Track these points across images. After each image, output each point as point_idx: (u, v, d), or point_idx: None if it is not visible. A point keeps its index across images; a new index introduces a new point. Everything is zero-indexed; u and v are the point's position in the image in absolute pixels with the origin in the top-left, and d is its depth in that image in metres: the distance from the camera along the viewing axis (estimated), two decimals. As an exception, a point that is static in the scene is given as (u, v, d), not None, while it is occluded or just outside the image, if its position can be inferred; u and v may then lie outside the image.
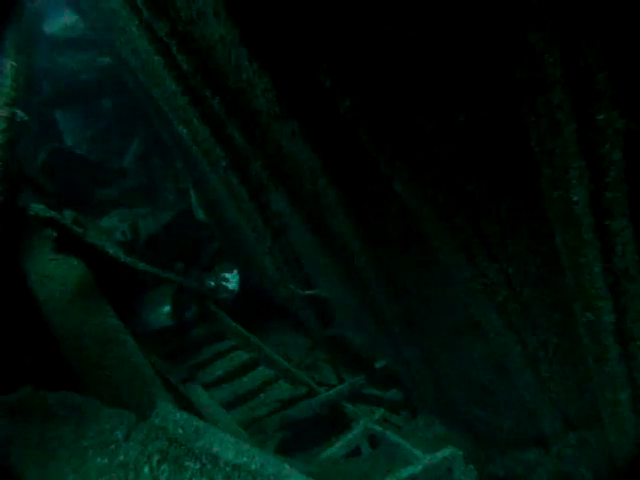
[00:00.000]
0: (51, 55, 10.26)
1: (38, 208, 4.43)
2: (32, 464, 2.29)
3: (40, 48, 9.93)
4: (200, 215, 6.98)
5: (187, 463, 2.35)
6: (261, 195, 4.81)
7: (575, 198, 2.45)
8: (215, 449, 2.39)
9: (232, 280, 6.94)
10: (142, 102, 6.41)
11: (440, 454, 3.68)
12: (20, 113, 5.00)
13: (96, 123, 9.72)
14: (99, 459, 2.32)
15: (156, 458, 2.36)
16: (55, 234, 4.82)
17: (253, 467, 2.34)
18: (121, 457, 2.33)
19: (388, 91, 2.43)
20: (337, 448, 4.47)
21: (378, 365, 5.10)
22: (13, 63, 4.94)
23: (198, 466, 2.34)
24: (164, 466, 2.34)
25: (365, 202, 3.33)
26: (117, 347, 4.19)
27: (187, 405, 5.00)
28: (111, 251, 5.06)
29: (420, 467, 3.55)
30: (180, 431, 2.43)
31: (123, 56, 5.44)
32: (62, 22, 10.16)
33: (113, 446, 2.37)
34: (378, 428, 4.51)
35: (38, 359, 4.40)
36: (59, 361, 4.27)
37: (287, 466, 2.38)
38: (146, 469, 2.33)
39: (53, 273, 4.83)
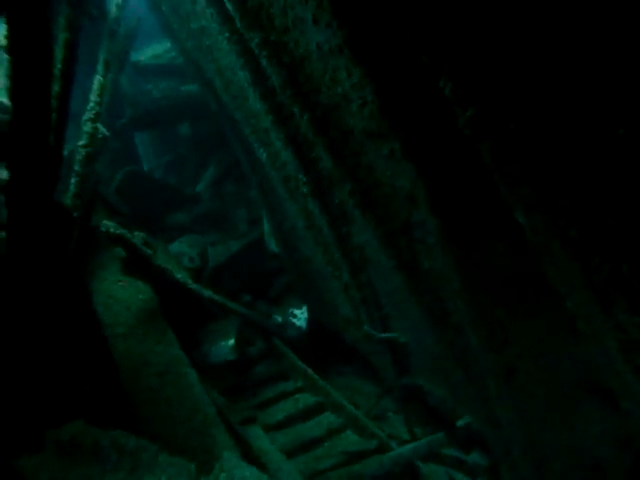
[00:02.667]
0: (136, 82, 10.45)
1: (109, 225, 4.21)
2: (75, 516, 1.94)
3: (127, 74, 10.14)
4: (272, 246, 6.68)
5: (254, 532, 1.93)
6: (342, 226, 4.43)
7: None
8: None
9: (300, 317, 6.55)
10: (222, 126, 6.24)
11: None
12: (102, 129, 4.88)
13: (173, 149, 9.72)
14: (152, 517, 1.94)
15: (218, 522, 1.96)
16: (124, 254, 4.60)
17: None
18: (177, 517, 1.94)
19: (527, 99, 2.02)
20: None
21: (460, 423, 4.54)
22: (101, 79, 4.84)
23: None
24: (226, 533, 1.93)
25: (471, 237, 2.89)
26: (178, 379, 3.85)
27: (247, 450, 4.58)
28: (179, 276, 4.79)
29: None
30: (248, 491, 2.02)
31: (208, 76, 5.27)
32: (150, 50, 10.34)
33: (169, 502, 1.98)
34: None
35: (96, 387, 4.10)
36: (118, 391, 3.96)
37: None
38: (205, 535, 1.93)
39: (119, 295, 4.59)
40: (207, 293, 5.10)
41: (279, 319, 6.59)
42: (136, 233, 4.90)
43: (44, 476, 2.03)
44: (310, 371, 5.64)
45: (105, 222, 4.27)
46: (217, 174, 8.10)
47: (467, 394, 4.16)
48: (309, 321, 6.56)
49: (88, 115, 4.61)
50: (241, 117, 5.13)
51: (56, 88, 3.06)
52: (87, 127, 4.61)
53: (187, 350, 5.92)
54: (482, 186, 2.58)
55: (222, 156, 8.16)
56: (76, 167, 4.62)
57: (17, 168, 2.88)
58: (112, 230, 4.19)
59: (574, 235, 2.27)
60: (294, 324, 6.54)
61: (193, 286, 4.96)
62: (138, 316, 4.41)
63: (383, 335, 4.88)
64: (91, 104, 4.67)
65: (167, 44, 9.98)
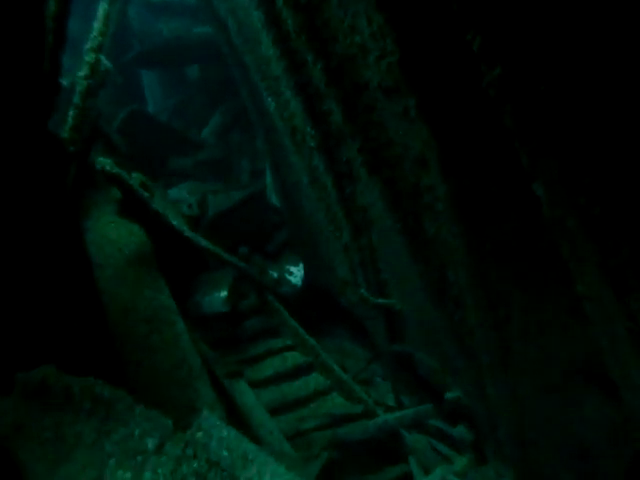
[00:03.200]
0: (147, 19, 10.10)
1: (106, 162, 4.04)
2: (41, 463, 1.84)
3: (137, 10, 9.78)
4: (273, 200, 6.52)
5: (227, 495, 1.84)
6: (348, 184, 4.26)
7: None
8: (264, 484, 1.88)
9: (296, 274, 6.44)
10: (232, 72, 6.00)
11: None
12: (105, 61, 4.65)
13: (180, 92, 9.45)
14: (120, 472, 1.84)
15: (190, 482, 1.86)
16: (119, 195, 4.44)
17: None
18: (148, 474, 1.84)
19: (565, 61, 1.83)
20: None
21: (449, 395, 4.46)
22: (106, 6, 4.58)
23: (240, 502, 1.83)
24: (198, 494, 1.84)
25: (483, 206, 2.73)
26: (165, 328, 3.75)
27: (230, 405, 4.53)
28: (175, 222, 4.64)
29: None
30: (225, 453, 1.92)
31: (221, 15, 5.02)
32: (163, -13, 9.94)
33: (140, 458, 1.88)
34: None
35: (83, 330, 4.00)
36: (105, 335, 3.86)
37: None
38: (176, 494, 1.84)
39: (112, 236, 4.46)
40: (203, 242, 4.96)
41: (275, 275, 6.47)
42: (134, 174, 4.73)
43: (8, 419, 1.93)
44: (301, 330, 5.56)
45: (102, 159, 4.09)
46: (223, 121, 7.87)
47: (459, 368, 4.07)
48: (305, 279, 6.45)
49: (91, 44, 4.38)
50: (252, 62, 4.90)
51: (52, 7, 2.84)
52: (89, 57, 4.38)
53: (179, 299, 5.82)
54: (499, 153, 2.40)
55: (230, 103, 7.92)
56: (75, 99, 4.41)
57: (6, 95, 2.70)
58: (108, 168, 4.02)
59: (594, 213, 2.11)
60: (289, 281, 6.43)
61: (189, 234, 4.82)
62: (130, 259, 4.28)
63: (379, 301, 4.76)
64: (94, 33, 4.43)
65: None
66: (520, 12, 1.87)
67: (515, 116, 2.05)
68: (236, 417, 4.56)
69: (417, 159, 3.14)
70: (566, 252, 2.25)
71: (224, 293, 5.83)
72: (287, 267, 6.45)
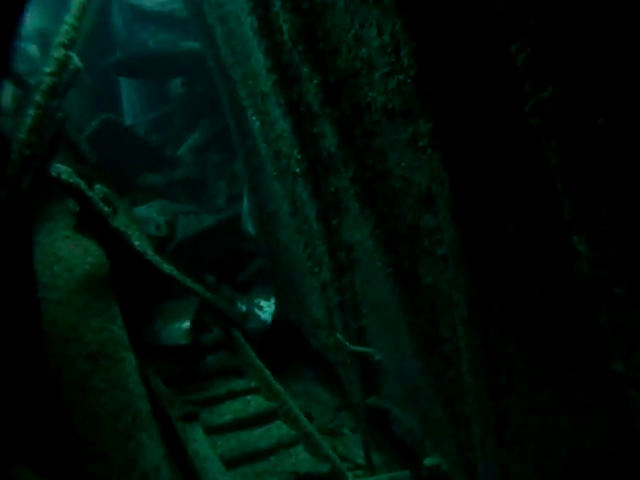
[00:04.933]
0: (133, 28, 9.72)
1: (63, 170, 3.55)
2: None
3: (124, 18, 9.39)
4: (249, 227, 6.06)
5: None
6: (333, 217, 3.84)
7: None
8: None
9: (267, 309, 5.96)
10: (216, 88, 5.59)
11: None
12: (76, 59, 4.20)
13: (160, 107, 9.02)
14: None
15: None
16: (77, 208, 3.95)
17: None
18: None
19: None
20: None
21: (428, 462, 3.98)
22: (83, 1, 4.15)
23: None
24: None
25: (499, 256, 2.32)
26: (111, 366, 3.23)
27: (182, 455, 3.99)
28: (136, 243, 4.14)
29: None
30: None
31: (209, 23, 4.62)
32: (152, -1, 9.59)
33: None
34: None
35: (15, 360, 3.45)
36: (42, 368, 3.32)
37: None
38: None
39: (63, 254, 3.95)
40: (167, 268, 4.47)
41: (243, 308, 5.98)
42: (97, 186, 4.24)
43: None
44: (267, 372, 5.05)
45: (59, 166, 3.60)
46: (202, 140, 7.43)
47: (443, 432, 3.62)
48: (275, 316, 5.97)
49: (61, 39, 3.93)
50: (239, 76, 4.50)
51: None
52: (58, 53, 3.93)
53: (137, 326, 5.30)
54: (531, 197, 2.00)
55: (211, 122, 7.50)
56: (37, 97, 3.94)
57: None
58: (64, 177, 3.53)
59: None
60: (258, 316, 5.95)
61: (152, 257, 4.33)
62: (80, 281, 3.77)
63: (356, 348, 4.30)
64: (66, 27, 3.99)
65: (172, -7, 9.29)
66: (597, 20, 1.48)
67: (563, 153, 1.65)
68: (187, 470, 4.02)
69: (420, 195, 2.74)
70: (606, 321, 1.84)
71: (186, 324, 5.31)
72: (257, 301, 5.97)
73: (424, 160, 2.55)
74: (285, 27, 2.97)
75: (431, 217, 2.75)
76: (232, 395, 5.01)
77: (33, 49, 7.64)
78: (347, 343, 4.39)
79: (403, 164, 2.76)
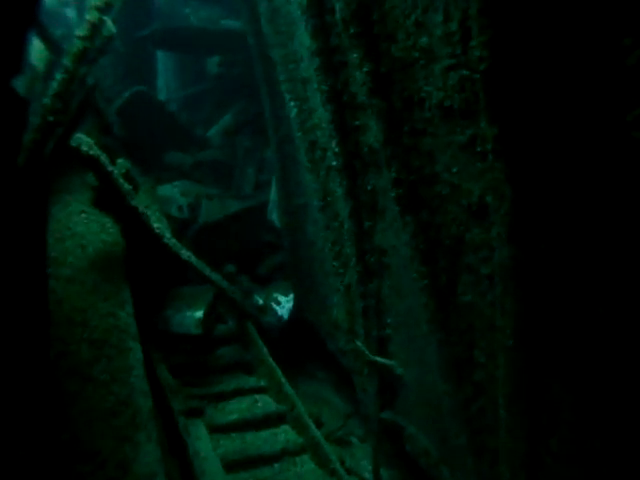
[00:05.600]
0: (175, 2, 9.51)
1: (84, 141, 3.32)
2: None
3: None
4: (274, 218, 5.80)
5: None
6: (368, 218, 3.57)
7: None
8: None
9: (284, 305, 5.71)
10: (254, 68, 5.32)
11: None
12: (110, 24, 3.97)
13: (195, 85, 8.79)
14: None
15: None
16: (96, 182, 3.72)
17: None
18: None
19: None
20: None
21: (442, 489, 3.71)
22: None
23: None
24: None
25: (561, 283, 2.03)
26: (116, 355, 3.00)
27: (181, 452, 3.77)
28: (155, 225, 3.91)
29: None
30: None
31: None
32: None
33: None
34: None
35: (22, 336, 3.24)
36: (45, 349, 3.11)
37: None
38: None
39: (77, 228, 3.73)
40: (185, 253, 4.24)
41: (260, 301, 5.74)
42: (120, 160, 4.01)
43: None
44: (279, 372, 4.81)
45: (80, 136, 3.37)
46: (235, 123, 7.18)
47: (463, 462, 3.33)
48: (292, 312, 5.71)
49: (96, 1, 3.69)
50: (279, 58, 4.23)
51: None
52: (91, 16, 3.70)
53: (148, 311, 5.09)
54: (611, 224, 1.71)
55: (246, 105, 7.24)
56: (66, 61, 3.72)
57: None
58: (84, 148, 3.30)
59: None
60: (275, 311, 5.70)
61: (170, 241, 4.10)
62: (93, 259, 3.55)
63: (377, 359, 4.03)
64: (103, -10, 3.75)
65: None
66: None
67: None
68: (185, 469, 3.80)
69: (469, 206, 2.45)
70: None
71: (199, 313, 5.08)
72: (275, 295, 5.71)
73: (480, 167, 2.26)
74: (338, 6, 2.68)
75: (480, 231, 2.47)
76: (240, 393, 4.78)
77: (71, 13, 7.46)
78: (367, 352, 4.12)
79: (454, 169, 2.47)
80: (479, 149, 2.22)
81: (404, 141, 2.69)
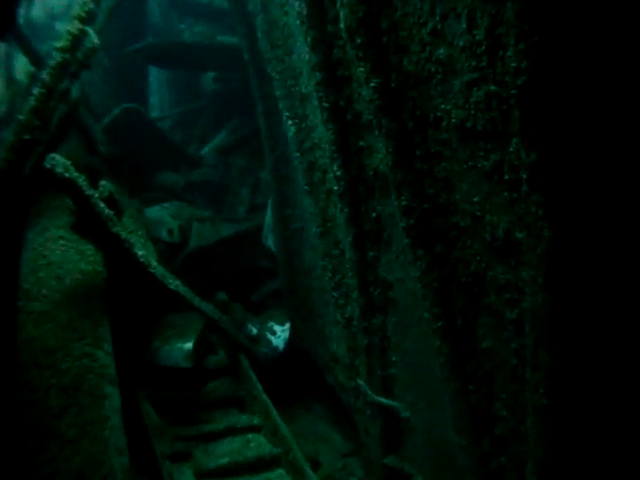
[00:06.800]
0: (170, 18, 9.28)
1: (59, 162, 3.00)
2: None
3: (160, 5, 8.97)
4: (269, 242, 5.48)
5: None
6: (372, 248, 3.25)
7: None
8: None
9: (280, 334, 5.37)
10: (250, 83, 5.03)
11: None
12: (93, 36, 3.67)
13: (189, 102, 8.51)
14: None
15: None
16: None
17: None
18: None
19: None
20: None
21: None
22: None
23: None
24: None
25: (609, 337, 1.71)
26: (90, 404, 2.65)
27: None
28: (140, 252, 3.58)
29: None
30: None
31: (250, 11, 4.07)
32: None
33: None
34: None
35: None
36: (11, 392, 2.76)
37: None
38: None
39: (53, 257, 3.40)
40: (173, 283, 3.91)
41: (254, 330, 5.39)
42: (103, 182, 3.69)
43: None
44: (274, 411, 4.45)
45: (56, 157, 3.05)
46: (229, 141, 6.88)
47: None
48: (288, 343, 5.37)
49: (77, 11, 3.40)
50: (277, 74, 3.94)
51: None
52: (72, 27, 3.40)
53: (135, 342, 4.75)
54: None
55: (240, 122, 6.95)
56: (44, 75, 3.42)
57: None
58: (59, 170, 2.97)
59: None
60: (270, 342, 5.35)
61: (156, 270, 3.77)
62: (69, 292, 3.22)
63: (381, 400, 3.70)
64: (84, -4, 3.46)
65: (214, -15, 8.82)
66: None
67: None
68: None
69: (493, 241, 2.13)
70: None
71: (188, 345, 4.75)
72: (270, 324, 5.37)
73: (508, 198, 1.95)
74: (342, 14, 2.39)
75: (505, 270, 2.15)
76: (231, 431, 4.42)
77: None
78: (370, 392, 3.79)
79: (475, 199, 2.16)
80: (507, 177, 1.91)
81: (416, 166, 2.38)
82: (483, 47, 1.79)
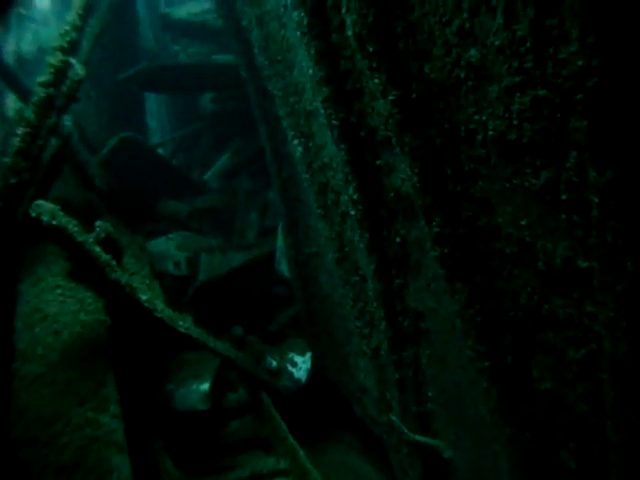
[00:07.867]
0: (163, 40, 9.07)
1: (44, 208, 2.70)
2: None
3: (153, 28, 8.76)
4: (282, 268, 5.17)
5: None
6: (398, 275, 2.93)
7: None
8: None
9: (301, 365, 5.05)
10: (250, 103, 4.74)
11: None
12: (78, 67, 3.40)
13: (189, 124, 8.26)
14: None
15: None
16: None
17: None
18: None
19: None
20: None
21: None
22: (88, -4, 3.36)
23: None
24: None
25: None
26: (95, 480, 2.33)
27: None
28: (144, 297, 3.28)
29: None
30: None
31: (243, 25, 3.79)
32: (186, 9, 8.93)
33: None
34: None
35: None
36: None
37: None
38: None
39: (50, 309, 3.11)
40: (182, 326, 3.60)
41: (274, 363, 5.07)
42: (99, 223, 3.39)
43: None
44: (301, 453, 4.12)
45: (41, 203, 2.75)
46: (233, 164, 6.59)
47: None
48: (310, 374, 5.04)
49: (59, 41, 3.12)
50: (278, 90, 3.65)
51: None
52: (55, 59, 3.13)
53: (149, 386, 4.47)
54: None
55: (243, 142, 6.66)
56: (27, 113, 3.14)
57: None
58: (46, 219, 2.68)
59: None
60: (292, 374, 5.03)
61: (163, 314, 3.46)
62: (67, 349, 2.92)
63: (420, 438, 3.36)
64: (67, 27, 3.18)
65: (206, 4, 8.60)
66: None
67: None
68: None
69: (549, 270, 1.81)
70: None
71: (205, 386, 4.45)
72: (291, 355, 5.06)
73: (566, 221, 1.63)
74: (349, 20, 2.08)
75: (565, 303, 1.82)
76: (258, 478, 4.10)
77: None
78: (406, 430, 3.45)
79: (523, 222, 1.83)
80: (564, 197, 1.59)
81: (448, 187, 2.06)
82: (527, 44, 1.48)
